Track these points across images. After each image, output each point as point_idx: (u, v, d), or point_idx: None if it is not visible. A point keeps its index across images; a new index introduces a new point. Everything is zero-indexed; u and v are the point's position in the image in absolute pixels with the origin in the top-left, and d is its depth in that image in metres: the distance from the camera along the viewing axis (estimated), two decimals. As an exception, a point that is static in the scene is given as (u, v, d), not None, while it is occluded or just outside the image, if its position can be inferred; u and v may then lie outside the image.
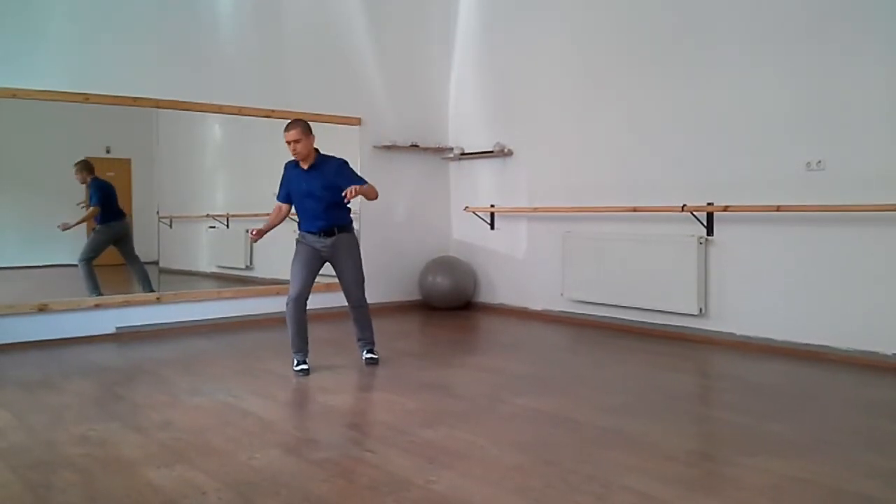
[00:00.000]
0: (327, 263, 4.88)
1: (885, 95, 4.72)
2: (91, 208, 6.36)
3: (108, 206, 6.42)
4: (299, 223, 4.86)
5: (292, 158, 4.79)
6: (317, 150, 4.76)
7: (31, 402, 4.07)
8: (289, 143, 4.64)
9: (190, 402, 4.04)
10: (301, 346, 4.76)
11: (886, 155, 4.71)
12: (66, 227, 6.27)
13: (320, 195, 4.71)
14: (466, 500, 2.67)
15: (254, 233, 4.77)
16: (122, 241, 6.51)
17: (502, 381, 4.53)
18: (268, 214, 4.95)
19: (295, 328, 4.73)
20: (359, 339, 5.01)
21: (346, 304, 4.94)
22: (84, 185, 6.35)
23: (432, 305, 7.52)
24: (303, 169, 4.73)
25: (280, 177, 4.91)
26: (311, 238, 4.77)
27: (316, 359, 4.91)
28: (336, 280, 4.95)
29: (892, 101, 4.69)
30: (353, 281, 4.83)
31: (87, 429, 3.53)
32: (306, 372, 4.68)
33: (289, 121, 4.78)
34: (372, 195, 4.74)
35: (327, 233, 4.74)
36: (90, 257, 6.33)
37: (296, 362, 4.74)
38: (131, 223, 6.54)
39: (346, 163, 4.83)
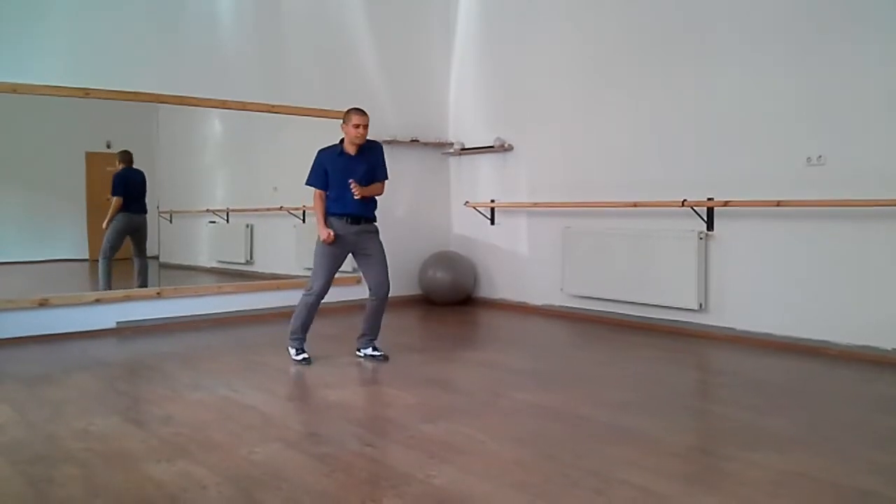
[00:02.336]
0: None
1: (886, 91, 4.71)
2: (113, 201, 6.37)
3: (126, 196, 6.42)
4: (328, 208, 4.82)
5: (326, 146, 4.87)
6: None
7: (32, 396, 4.08)
8: (357, 126, 4.71)
9: (190, 397, 4.05)
10: (303, 336, 4.88)
11: (887, 150, 4.70)
12: (105, 227, 6.35)
13: (364, 181, 4.77)
14: (466, 494, 2.67)
15: (329, 236, 4.75)
16: (135, 234, 6.51)
17: (502, 376, 4.54)
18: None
19: (307, 321, 4.85)
20: (364, 335, 4.99)
21: (368, 295, 4.95)
22: None
23: (432, 300, 7.53)
24: (349, 154, 4.79)
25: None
26: (337, 224, 4.78)
27: (316, 353, 4.92)
28: (338, 275, 4.97)
29: (893, 96, 4.68)
30: (383, 269, 4.88)
31: (88, 423, 3.54)
32: (308, 361, 4.79)
33: (353, 107, 4.81)
34: (377, 192, 4.87)
35: (355, 220, 4.79)
36: (108, 254, 6.35)
37: (296, 351, 4.85)
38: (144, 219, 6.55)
39: (382, 148, 4.95)
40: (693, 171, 5.72)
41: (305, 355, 4.82)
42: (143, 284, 6.44)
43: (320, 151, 4.90)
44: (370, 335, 4.99)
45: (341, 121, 4.85)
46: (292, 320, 4.90)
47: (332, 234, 4.73)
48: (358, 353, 5.03)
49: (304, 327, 4.87)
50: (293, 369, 4.71)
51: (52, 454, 3.13)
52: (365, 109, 4.75)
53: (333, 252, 4.81)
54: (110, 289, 6.21)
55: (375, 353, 4.98)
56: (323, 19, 7.16)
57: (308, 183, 4.86)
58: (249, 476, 2.86)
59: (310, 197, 4.89)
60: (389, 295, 4.95)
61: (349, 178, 4.73)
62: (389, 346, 5.19)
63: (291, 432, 3.48)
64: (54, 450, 3.19)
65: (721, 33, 5.55)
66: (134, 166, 6.43)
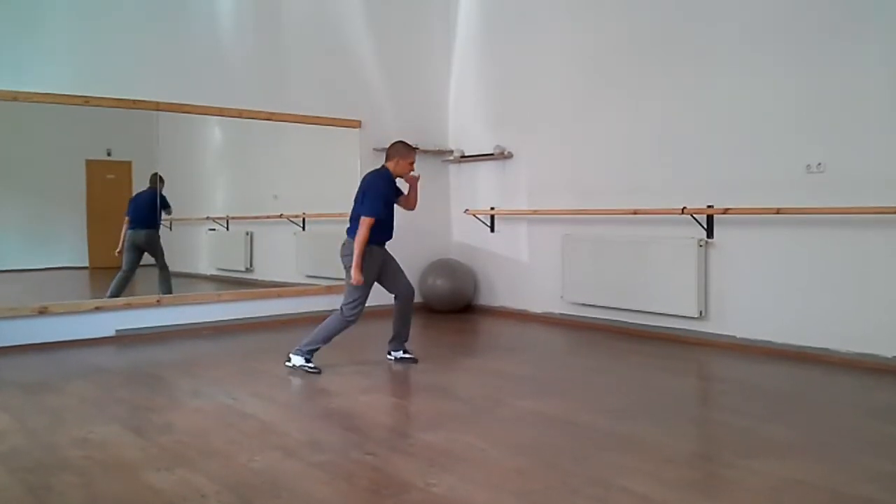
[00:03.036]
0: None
1: (886, 97, 4.72)
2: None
3: (133, 214, 6.48)
4: (374, 235, 4.76)
5: (377, 171, 4.92)
6: None
7: (31, 404, 4.07)
8: (412, 163, 4.88)
9: (190, 405, 4.05)
10: (319, 349, 4.88)
11: (886, 157, 4.71)
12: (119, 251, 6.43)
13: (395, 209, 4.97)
14: (467, 502, 2.67)
15: (357, 275, 4.69)
16: (148, 247, 6.54)
17: (503, 383, 4.53)
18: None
19: (333, 338, 4.85)
20: (396, 338, 5.09)
21: (395, 301, 5.05)
22: None
23: (432, 308, 7.52)
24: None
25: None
26: (377, 251, 4.85)
27: (316, 361, 4.91)
28: (339, 283, 5.00)
29: (893, 103, 4.69)
30: (404, 274, 5.02)
31: (88, 431, 3.53)
32: (318, 371, 4.78)
33: (401, 141, 4.98)
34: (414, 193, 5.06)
35: (387, 243, 4.96)
36: (123, 267, 6.38)
37: (305, 360, 4.81)
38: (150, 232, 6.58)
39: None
40: (693, 178, 5.73)
41: (313, 367, 4.80)
42: (168, 291, 6.47)
43: (380, 179, 4.84)
44: (403, 337, 5.09)
45: (393, 153, 4.88)
46: (318, 334, 4.82)
47: (361, 276, 4.68)
48: (389, 356, 5.11)
49: (326, 342, 4.85)
50: (293, 377, 4.70)
51: (52, 462, 3.13)
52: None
53: (374, 276, 4.87)
54: (118, 296, 6.22)
55: (406, 355, 5.08)
56: (323, 28, 7.18)
57: (375, 213, 4.69)
58: (249, 484, 2.86)
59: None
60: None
61: (392, 207, 4.89)
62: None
63: (291, 440, 3.47)
64: (53, 458, 3.18)
65: (720, 41, 5.56)
66: (152, 187, 6.50)
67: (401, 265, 5.03)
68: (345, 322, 4.80)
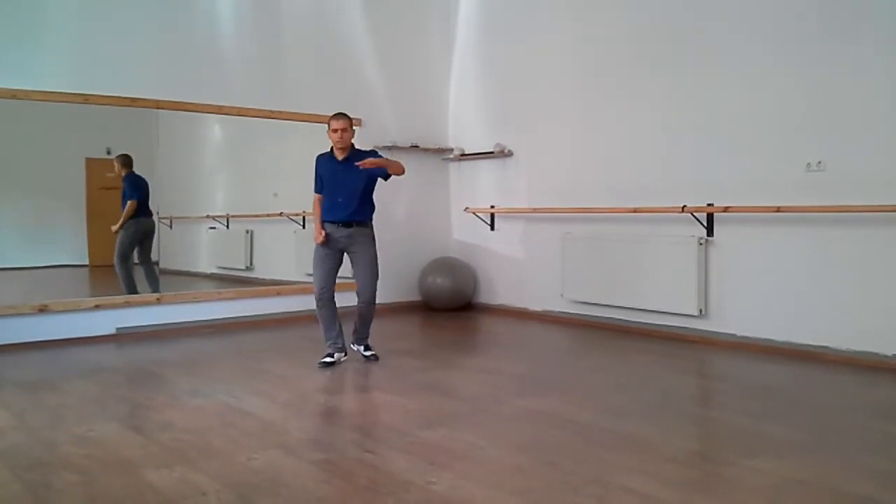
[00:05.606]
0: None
1: (886, 96, 4.72)
2: (128, 204, 6.38)
3: (143, 198, 6.44)
4: (322, 214, 4.92)
5: (323, 151, 4.94)
6: (352, 144, 4.94)
7: (31, 402, 4.07)
8: (336, 130, 4.78)
9: (190, 403, 4.04)
10: (332, 337, 4.91)
11: (886, 156, 4.71)
12: (116, 230, 6.35)
13: (354, 186, 4.84)
14: (466, 501, 2.67)
15: (321, 237, 4.86)
16: (147, 239, 6.52)
17: (502, 381, 4.53)
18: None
19: (325, 323, 4.90)
20: (354, 332, 5.09)
21: (356, 299, 5.02)
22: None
23: (432, 306, 7.52)
24: (337, 160, 4.86)
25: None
26: (329, 227, 4.87)
27: (314, 359, 4.92)
28: (340, 281, 5.01)
29: (893, 101, 4.69)
30: (369, 273, 4.94)
31: (87, 429, 3.53)
32: (327, 365, 4.83)
33: (336, 112, 4.92)
34: (397, 170, 4.86)
35: (346, 224, 4.87)
36: (121, 258, 6.36)
37: (324, 355, 4.89)
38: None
39: (376, 152, 5.12)
40: (693, 176, 5.73)
41: (327, 360, 4.86)
42: (156, 289, 6.46)
43: (317, 157, 4.98)
44: (361, 334, 5.09)
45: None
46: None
47: (322, 234, 4.83)
48: (352, 346, 5.13)
49: (327, 332, 4.90)
50: (292, 375, 4.70)
51: (51, 460, 3.13)
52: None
53: (326, 252, 4.89)
54: (136, 293, 6.22)
55: (367, 353, 5.07)
56: (323, 26, 7.17)
57: (314, 189, 5.00)
58: (249, 483, 2.86)
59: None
60: (377, 302, 5.04)
61: (337, 184, 4.83)
62: (389, 352, 5.20)
63: (291, 438, 3.47)
64: (53, 456, 3.18)
65: (720, 40, 5.56)
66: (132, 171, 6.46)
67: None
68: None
